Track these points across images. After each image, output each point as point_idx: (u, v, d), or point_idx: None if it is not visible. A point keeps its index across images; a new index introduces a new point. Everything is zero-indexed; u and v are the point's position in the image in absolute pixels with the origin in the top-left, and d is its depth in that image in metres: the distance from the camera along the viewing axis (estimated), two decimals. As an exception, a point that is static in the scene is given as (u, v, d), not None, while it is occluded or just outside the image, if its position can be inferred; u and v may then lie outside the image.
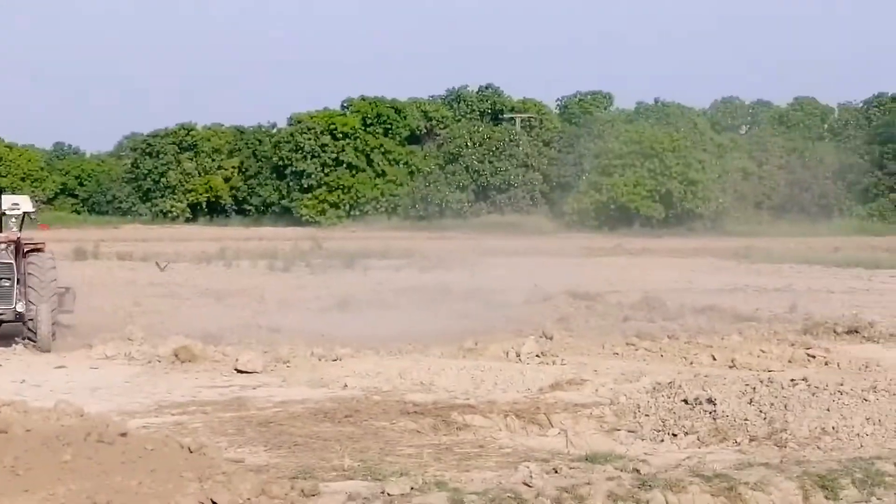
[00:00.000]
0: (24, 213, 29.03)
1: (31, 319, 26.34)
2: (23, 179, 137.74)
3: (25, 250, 27.96)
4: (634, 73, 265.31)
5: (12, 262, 26.90)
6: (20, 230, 28.85)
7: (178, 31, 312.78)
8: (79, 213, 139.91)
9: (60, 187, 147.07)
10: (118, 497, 10.30)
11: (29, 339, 26.66)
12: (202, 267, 56.19)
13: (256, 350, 24.60)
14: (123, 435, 11.81)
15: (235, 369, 22.59)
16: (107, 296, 38.44)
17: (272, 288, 42.35)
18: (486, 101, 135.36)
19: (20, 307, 26.42)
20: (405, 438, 16.29)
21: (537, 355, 24.29)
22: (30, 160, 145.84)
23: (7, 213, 28.65)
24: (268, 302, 37.41)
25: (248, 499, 10.68)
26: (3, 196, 29.44)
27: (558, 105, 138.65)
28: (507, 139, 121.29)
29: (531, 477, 12.13)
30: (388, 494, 11.50)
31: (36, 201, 34.86)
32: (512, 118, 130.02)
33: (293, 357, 24.08)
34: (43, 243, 28.82)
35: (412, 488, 11.73)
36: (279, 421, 17.34)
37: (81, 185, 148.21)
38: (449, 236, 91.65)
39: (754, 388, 17.39)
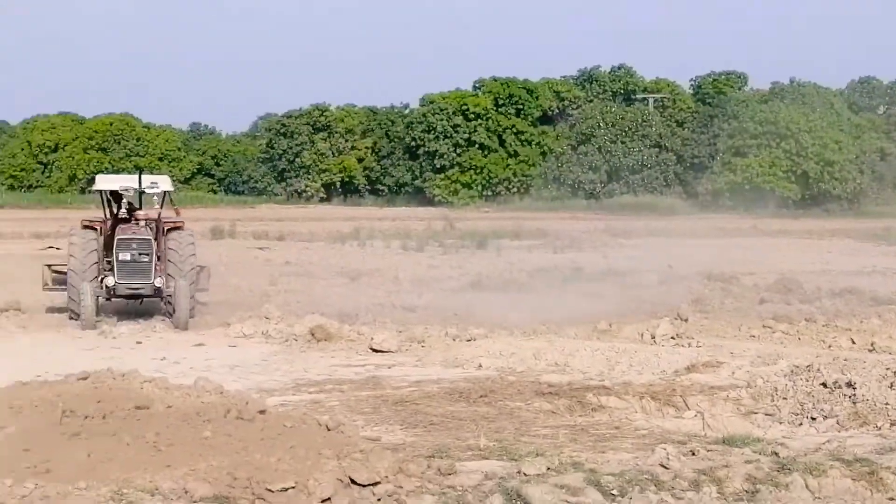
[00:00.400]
0: (164, 191, 29.52)
1: (170, 295, 27.05)
2: (160, 159, 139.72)
3: (165, 228, 28.60)
4: (769, 53, 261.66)
5: (151, 238, 27.57)
6: (161, 208, 29.51)
7: (313, 13, 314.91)
8: (215, 192, 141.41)
9: (197, 167, 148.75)
10: (257, 473, 10.36)
11: (167, 314, 27.47)
12: (336, 247, 56.50)
13: (391, 330, 24.71)
14: (262, 412, 11.90)
15: (371, 348, 22.70)
16: (243, 275, 38.87)
17: (406, 268, 42.43)
18: (619, 81, 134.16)
19: (158, 282, 27.13)
20: (540, 419, 16.24)
21: (672, 337, 24.10)
22: (167, 140, 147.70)
23: (147, 191, 29.12)
24: (401, 282, 37.49)
25: (386, 476, 10.69)
26: (142, 175, 30.05)
27: (692, 85, 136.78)
28: (639, 119, 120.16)
29: (668, 459, 12.00)
30: (525, 474, 11.44)
31: (174, 181, 35.46)
32: (645, 98, 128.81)
33: (427, 337, 24.14)
34: (182, 222, 29.31)
35: (548, 468, 11.65)
36: (414, 400, 17.39)
37: (218, 164, 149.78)
38: (581, 217, 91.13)
39: (895, 373, 17.03)
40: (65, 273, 28.06)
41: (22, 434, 11.51)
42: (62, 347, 23.45)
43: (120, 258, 27.14)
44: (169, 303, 27.51)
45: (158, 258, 27.71)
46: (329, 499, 10.13)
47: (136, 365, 15.98)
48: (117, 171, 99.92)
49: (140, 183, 29.07)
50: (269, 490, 10.12)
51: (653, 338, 24.02)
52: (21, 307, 28.71)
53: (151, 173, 39.05)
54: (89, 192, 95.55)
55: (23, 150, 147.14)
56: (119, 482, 10.24)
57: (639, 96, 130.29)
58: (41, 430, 11.52)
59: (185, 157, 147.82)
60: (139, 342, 24.32)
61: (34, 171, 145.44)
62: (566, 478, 11.33)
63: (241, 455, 10.76)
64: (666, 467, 11.81)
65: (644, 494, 11.09)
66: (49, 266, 29.52)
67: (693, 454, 12.43)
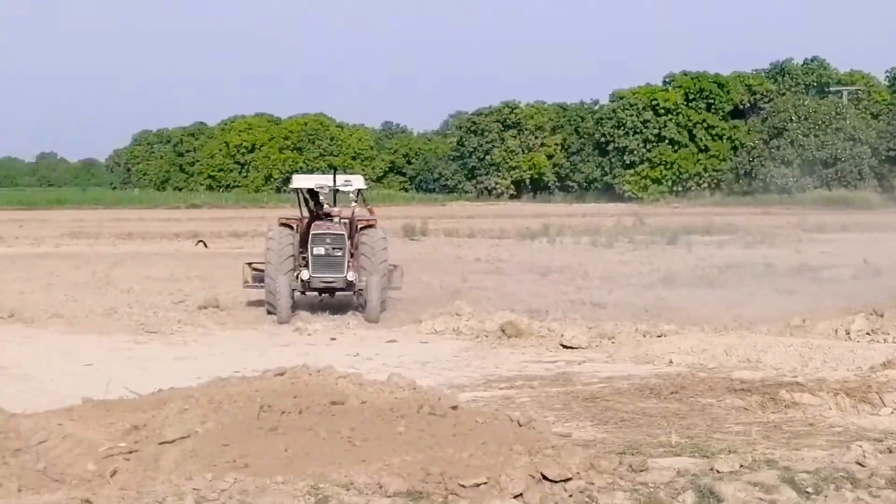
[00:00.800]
0: (358, 189, 30.13)
1: (362, 290, 27.88)
2: (354, 158, 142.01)
3: (359, 226, 29.40)
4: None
5: (345, 234, 28.36)
6: (355, 206, 30.20)
7: (505, 12, 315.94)
8: (406, 190, 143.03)
9: (389, 165, 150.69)
10: (450, 468, 10.42)
11: (359, 308, 28.19)
12: (526, 243, 56.60)
13: (581, 326, 24.63)
14: (454, 408, 11.95)
15: (561, 344, 22.62)
16: (435, 272, 39.16)
17: (595, 264, 42.33)
18: (812, 73, 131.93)
19: (351, 276, 28.02)
20: (732, 416, 16.02)
21: (867, 333, 23.56)
22: (360, 139, 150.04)
23: (341, 189, 29.85)
24: (591, 278, 37.40)
25: (577, 473, 10.67)
26: (337, 174, 30.78)
27: (887, 77, 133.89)
28: (833, 112, 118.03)
29: (864, 456, 11.75)
30: (717, 471, 11.32)
31: (367, 179, 36.26)
32: (839, 91, 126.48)
33: (618, 333, 23.96)
34: (375, 220, 30.02)
35: (741, 466, 11.51)
36: (605, 396, 17.29)
37: (409, 163, 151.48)
38: (773, 212, 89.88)
39: None
40: (263, 271, 29.01)
41: (221, 429, 11.76)
42: (259, 344, 23.90)
43: (314, 252, 28.12)
44: (361, 297, 28.26)
45: (352, 254, 28.54)
46: (521, 494, 10.14)
47: (330, 361, 16.17)
48: (312, 171, 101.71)
49: (335, 181, 29.84)
50: (462, 485, 10.17)
51: (847, 333, 23.52)
52: (220, 304, 29.39)
53: (345, 172, 39.86)
54: (285, 191, 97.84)
55: (221, 150, 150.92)
56: (315, 476, 10.40)
57: (832, 89, 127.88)
58: (240, 425, 11.76)
59: (377, 155, 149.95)
60: (333, 338, 24.65)
61: (231, 171, 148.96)
62: (759, 475, 11.18)
63: (434, 450, 10.83)
64: (862, 465, 11.57)
65: (840, 493, 10.88)
66: (249, 264, 30.49)
67: (890, 452, 12.16)
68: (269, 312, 27.96)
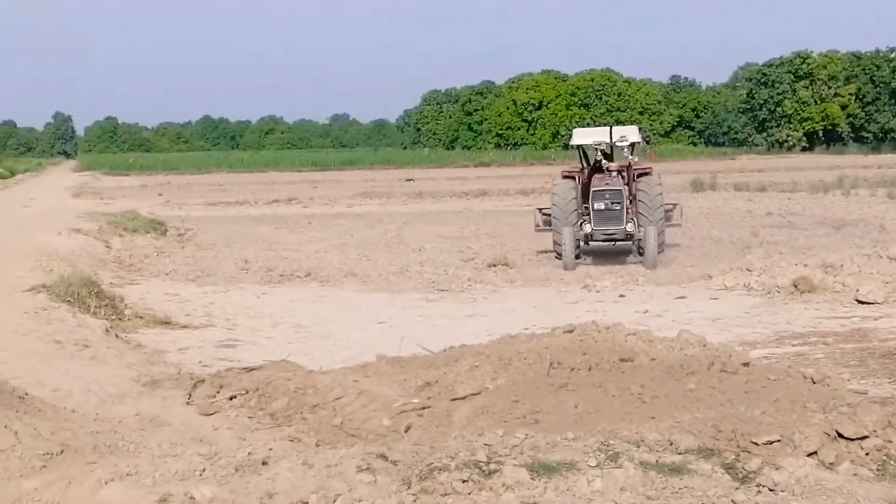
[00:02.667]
0: (632, 143, 31.94)
1: (640, 239, 30.25)
2: (641, 113, 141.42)
3: (635, 175, 31.12)
4: None
5: (622, 188, 30.24)
6: (631, 158, 31.78)
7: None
8: (695, 144, 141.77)
9: (677, 120, 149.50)
10: (742, 426, 10.29)
11: (638, 253, 30.31)
12: (819, 196, 55.28)
13: (878, 280, 23.89)
14: (746, 365, 11.81)
15: (856, 300, 22.05)
16: (724, 227, 38.74)
17: (893, 216, 41.03)
18: None
19: (630, 228, 30.29)
20: None
21: None
22: (647, 94, 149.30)
23: (617, 144, 31.36)
24: (888, 231, 36.24)
25: (874, 430, 10.39)
26: (612, 129, 32.42)
27: None
28: None
29: None
30: None
31: (644, 132, 37.32)
32: None
33: (918, 288, 23.21)
34: (650, 167, 31.79)
35: None
36: (903, 353, 16.83)
37: (697, 117, 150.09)
38: None
39: None
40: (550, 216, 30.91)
41: (511, 385, 11.90)
42: (548, 301, 24.03)
43: (595, 207, 30.19)
44: (639, 247, 30.52)
45: (630, 203, 30.56)
46: (815, 452, 9.95)
47: (619, 318, 16.18)
48: (590, 126, 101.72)
49: (611, 137, 31.67)
50: (754, 443, 10.04)
51: None
52: (508, 262, 29.75)
53: (624, 126, 40.44)
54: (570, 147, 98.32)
55: (508, 109, 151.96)
56: (605, 433, 10.41)
57: None
58: (530, 382, 11.87)
59: (665, 110, 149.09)
60: (622, 295, 24.61)
61: (519, 129, 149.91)
62: None
63: (725, 407, 10.72)
64: None
65: None
66: (539, 210, 32.23)
67: None
68: (556, 258, 29.98)
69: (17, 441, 10.40)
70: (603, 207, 30.00)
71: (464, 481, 9.33)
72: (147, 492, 9.41)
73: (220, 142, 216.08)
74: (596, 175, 31.18)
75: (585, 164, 32.67)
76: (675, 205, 32.91)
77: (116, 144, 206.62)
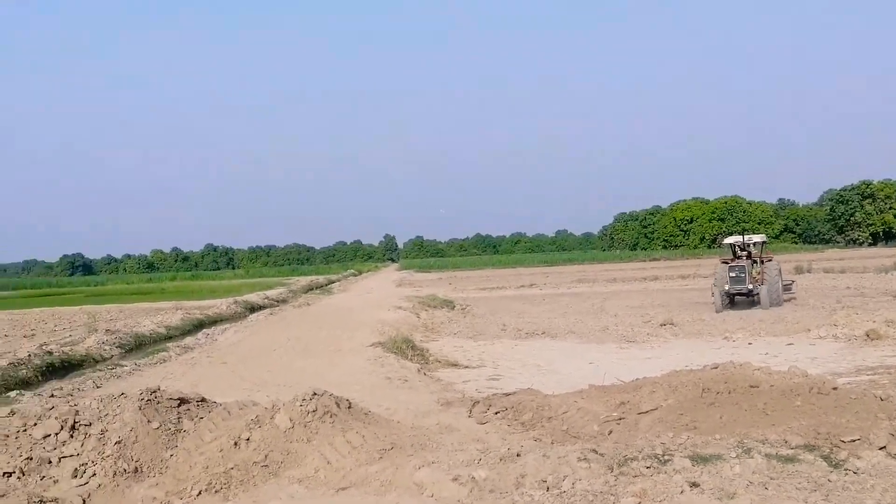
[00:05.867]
0: (757, 242, 36.43)
1: (756, 294, 33.68)
2: (759, 223, 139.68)
3: (762, 261, 35.11)
4: None
5: (745, 265, 34.01)
6: (761, 253, 36.84)
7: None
8: (796, 243, 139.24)
9: (783, 227, 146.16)
10: (833, 429, 9.98)
11: (754, 302, 33.89)
12: (881, 275, 52.33)
13: (929, 330, 22.55)
14: (835, 388, 11.40)
15: (912, 344, 20.93)
16: (818, 297, 37.14)
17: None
18: None
19: (750, 286, 33.49)
20: None
21: None
22: (763, 211, 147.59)
23: (748, 243, 35.80)
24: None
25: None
26: (745, 235, 36.67)
27: None
28: None
29: None
30: None
31: (765, 236, 38.55)
32: None
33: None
34: (772, 258, 36.21)
35: None
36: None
37: (797, 224, 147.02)
38: None
39: None
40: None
41: (677, 404, 11.73)
42: (701, 348, 23.45)
43: (730, 275, 33.86)
44: (755, 299, 33.90)
45: (754, 277, 33.80)
46: (884, 447, 9.59)
47: (748, 358, 15.74)
48: (733, 233, 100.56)
49: (743, 238, 36.00)
50: (842, 441, 9.74)
51: None
52: (674, 322, 29.15)
53: (752, 233, 41.58)
54: (717, 246, 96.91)
55: (671, 222, 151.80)
56: (741, 435, 10.19)
57: None
58: (689, 402, 11.68)
59: (774, 221, 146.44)
60: (750, 343, 23.82)
61: (678, 235, 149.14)
62: None
63: (821, 417, 10.42)
64: None
65: None
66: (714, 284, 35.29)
67: None
68: (716, 311, 33.00)
69: (364, 441, 10.73)
70: (735, 275, 33.69)
71: (647, 467, 9.25)
72: (445, 473, 9.59)
73: (487, 249, 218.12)
74: (735, 259, 35.44)
75: (731, 255, 36.46)
76: (792, 281, 37.53)
77: (422, 253, 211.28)
